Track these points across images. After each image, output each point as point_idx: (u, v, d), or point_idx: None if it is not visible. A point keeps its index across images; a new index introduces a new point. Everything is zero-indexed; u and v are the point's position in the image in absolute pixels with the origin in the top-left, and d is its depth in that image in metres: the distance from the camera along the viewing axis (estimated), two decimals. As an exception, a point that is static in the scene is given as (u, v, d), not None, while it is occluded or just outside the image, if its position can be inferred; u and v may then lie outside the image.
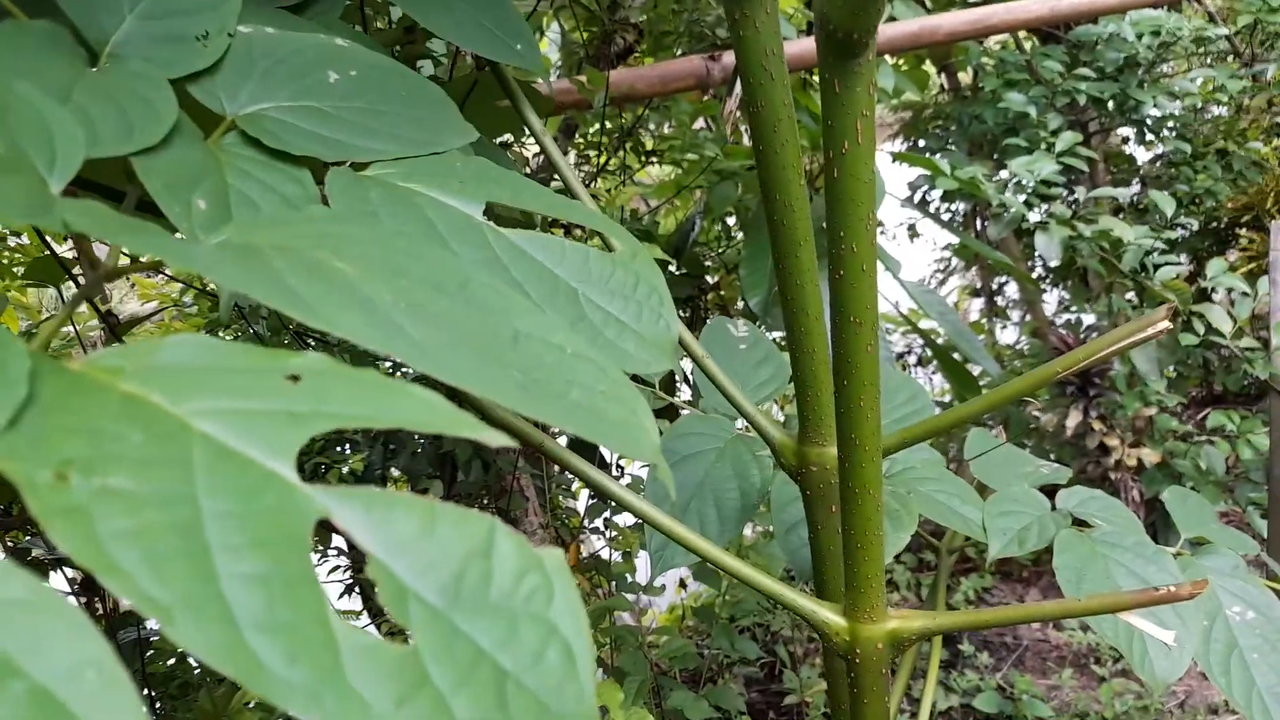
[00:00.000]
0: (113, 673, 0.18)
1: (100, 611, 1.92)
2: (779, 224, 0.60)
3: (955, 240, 4.15)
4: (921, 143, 3.46)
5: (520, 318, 0.37)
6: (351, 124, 0.46)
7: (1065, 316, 3.80)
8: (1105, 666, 3.08)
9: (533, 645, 0.23)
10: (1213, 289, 1.91)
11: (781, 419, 1.06)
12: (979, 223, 3.88)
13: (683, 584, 3.23)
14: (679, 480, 0.84)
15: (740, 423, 0.90)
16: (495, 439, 0.25)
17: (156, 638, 2.02)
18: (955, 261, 4.87)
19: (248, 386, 0.24)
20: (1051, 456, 2.76)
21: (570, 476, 2.39)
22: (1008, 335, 4.25)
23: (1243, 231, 3.12)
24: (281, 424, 0.23)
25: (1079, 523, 0.84)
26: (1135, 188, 3.23)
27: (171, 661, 2.10)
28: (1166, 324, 0.57)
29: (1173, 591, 0.51)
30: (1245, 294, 1.54)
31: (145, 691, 1.89)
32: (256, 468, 0.22)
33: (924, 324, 3.45)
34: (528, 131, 0.75)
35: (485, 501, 1.99)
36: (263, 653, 0.19)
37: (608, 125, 1.88)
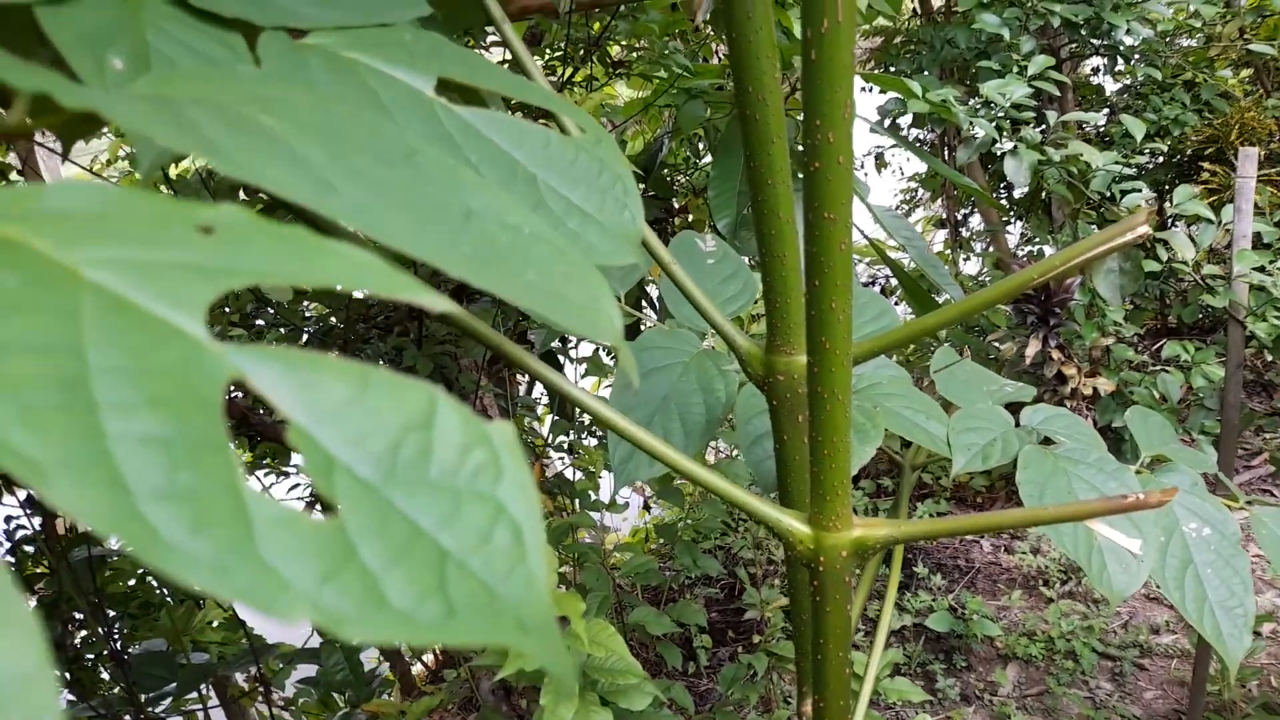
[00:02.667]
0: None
1: (54, 532, 1.89)
2: (751, 118, 0.57)
3: (922, 170, 4.13)
4: (894, 69, 3.41)
5: (473, 195, 0.34)
6: (289, -14, 0.42)
7: (1028, 249, 3.81)
8: (1053, 588, 3.16)
9: (478, 525, 0.21)
10: (1174, 221, 1.91)
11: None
12: (946, 153, 3.85)
13: (647, 506, 3.25)
14: (643, 394, 0.82)
15: (707, 339, 0.88)
16: (436, 302, 0.22)
17: (116, 557, 2.00)
18: (921, 193, 4.86)
19: (151, 237, 0.21)
20: (1010, 385, 2.78)
21: (535, 397, 2.37)
22: (971, 267, 4.26)
23: (1205, 164, 3.12)
24: (188, 277, 0.20)
25: (1043, 440, 0.83)
26: (1103, 117, 3.21)
27: (131, 582, 2.08)
28: (1146, 228, 0.55)
29: (1141, 499, 0.50)
30: (1210, 221, 1.54)
31: (105, 611, 1.87)
32: (157, 321, 0.19)
33: (890, 254, 3.44)
34: (491, 33, 0.70)
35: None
36: (160, 521, 0.17)
37: (575, 35, 1.82)
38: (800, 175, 0.48)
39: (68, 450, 0.16)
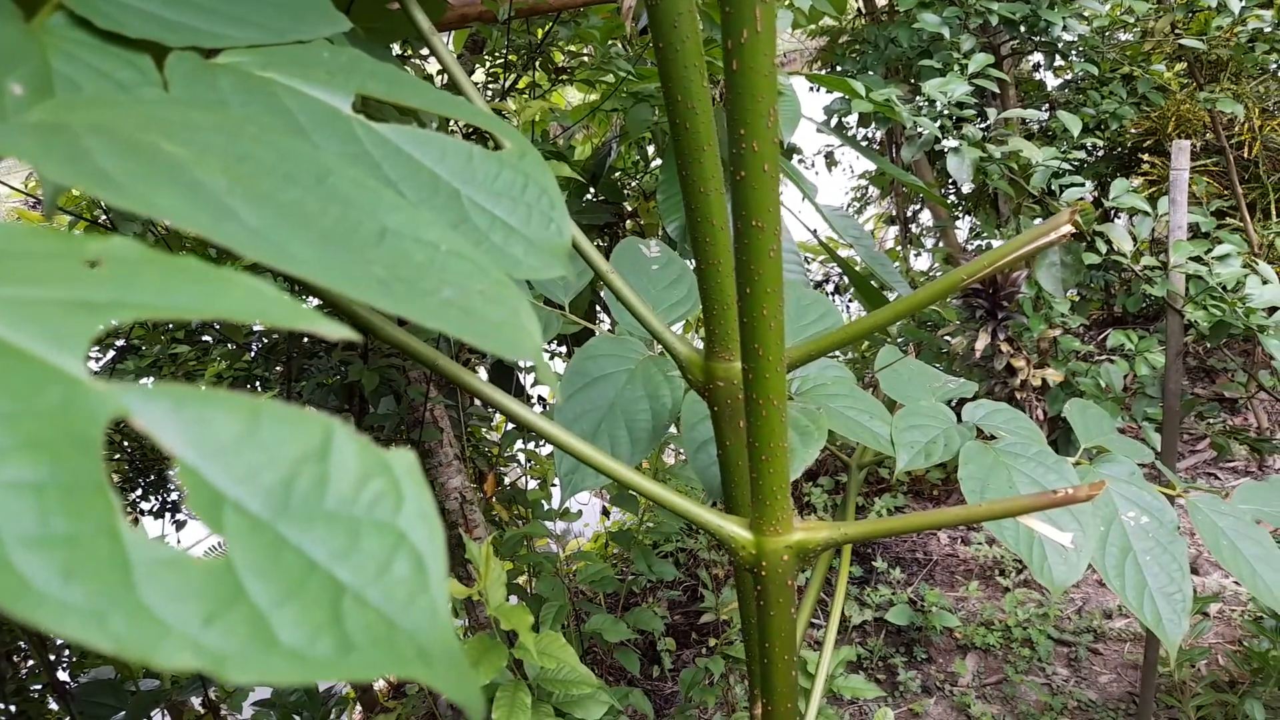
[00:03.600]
0: None
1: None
2: (681, 127, 0.57)
3: (872, 168, 4.17)
4: (839, 69, 3.45)
5: (389, 214, 0.33)
6: (199, 6, 0.41)
7: (976, 243, 3.86)
8: (1009, 578, 3.21)
9: (377, 555, 0.21)
10: (1115, 212, 1.95)
11: (699, 344, 1.05)
12: (893, 150, 3.89)
13: (605, 512, 3.25)
14: (589, 403, 0.82)
15: (655, 345, 0.88)
16: (333, 330, 0.22)
17: None
18: (871, 190, 4.91)
19: (34, 272, 0.21)
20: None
21: (488, 408, 2.35)
22: (922, 263, 4.32)
23: (1145, 156, 3.19)
24: (71, 313, 0.20)
25: (984, 435, 0.84)
26: (1045, 113, 3.27)
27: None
28: (1069, 227, 0.56)
29: (1070, 493, 0.51)
30: (1146, 214, 1.57)
31: (48, 642, 1.83)
32: (35, 362, 0.19)
33: (842, 252, 3.47)
34: (427, 48, 0.70)
35: (401, 433, 1.95)
36: (31, 571, 0.16)
37: (517, 42, 1.81)
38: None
39: (-71, 499, 0.16)
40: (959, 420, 0.87)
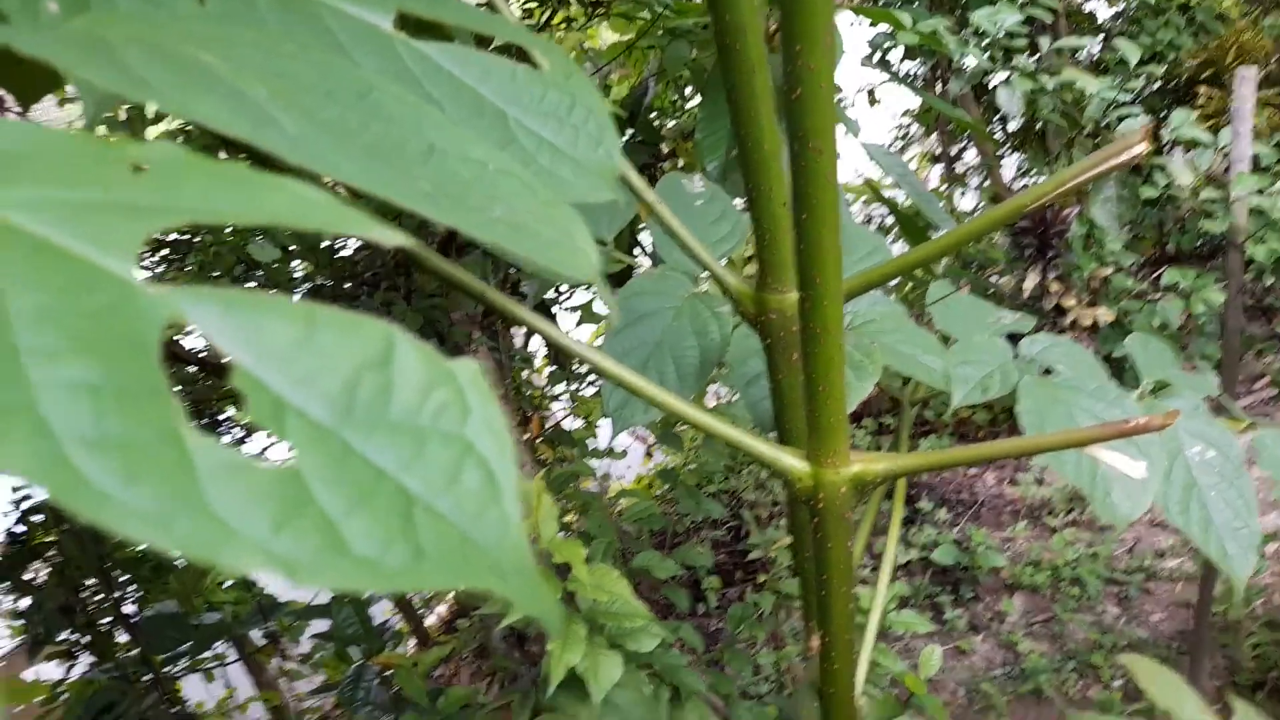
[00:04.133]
0: None
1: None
2: (730, 48, 0.55)
3: (915, 106, 4.07)
4: (882, 1, 3.34)
5: (434, 131, 0.32)
6: (236, -80, 0.39)
7: (1024, 181, 3.77)
8: (1057, 518, 3.18)
9: (445, 466, 0.20)
10: (1170, 146, 1.88)
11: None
12: (939, 86, 3.79)
13: (649, 453, 3.26)
14: (635, 339, 0.81)
15: (700, 282, 0.86)
16: (389, 237, 0.21)
17: None
18: (915, 129, 4.79)
19: (75, 177, 0.20)
20: (1009, 319, 2.76)
21: (532, 350, 2.35)
22: (967, 202, 4.22)
23: (1201, 89, 3.07)
24: (116, 217, 0.19)
25: (1042, 370, 0.82)
26: (1099, 43, 3.15)
27: (143, 546, 2.09)
28: (1143, 147, 0.53)
29: (1143, 423, 0.49)
30: (1206, 146, 1.51)
31: (114, 577, 1.88)
32: (83, 264, 0.18)
33: (886, 193, 3.40)
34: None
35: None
36: (90, 471, 0.15)
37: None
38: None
39: (-14, 398, 0.15)
40: (1015, 355, 0.85)
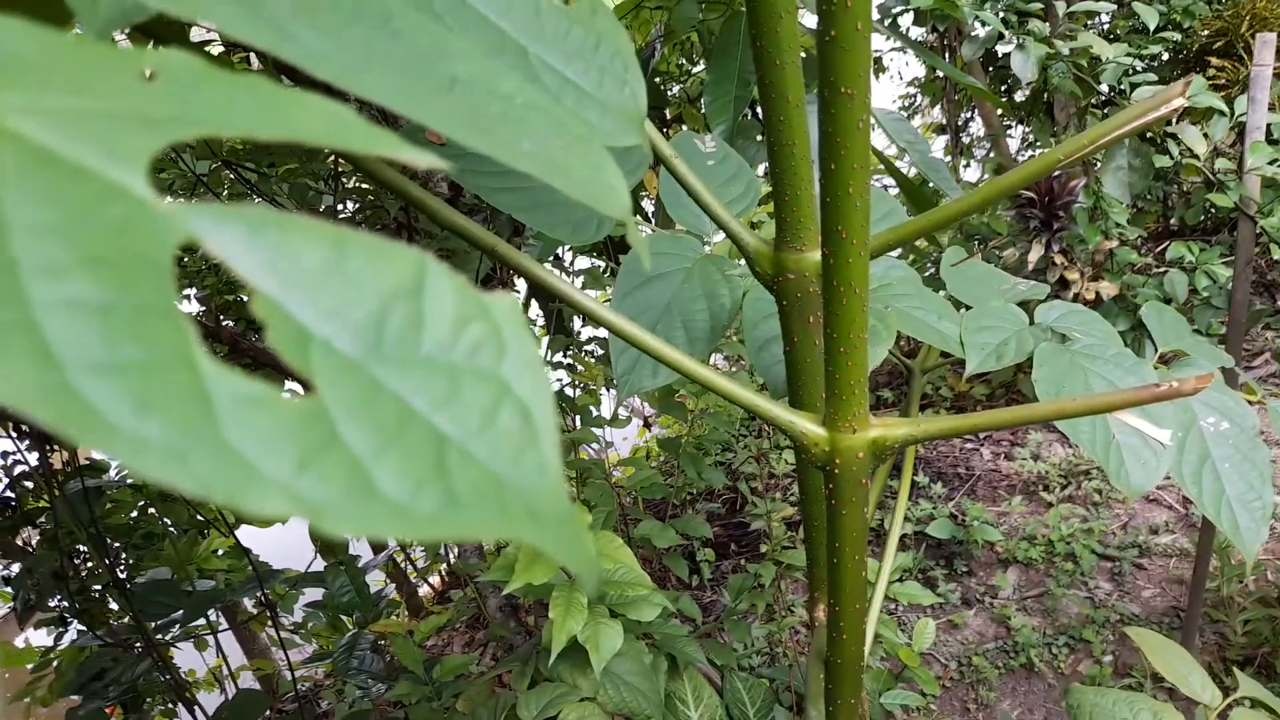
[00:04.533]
0: None
1: (50, 467, 1.88)
2: (755, -6, 0.53)
3: (922, 76, 4.02)
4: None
5: (458, 63, 0.30)
6: None
7: (1029, 153, 3.74)
8: (1053, 493, 3.19)
9: (480, 406, 0.18)
10: (1179, 117, 1.85)
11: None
12: (947, 55, 3.75)
13: (647, 424, 3.25)
14: (644, 302, 0.79)
15: (707, 244, 0.84)
16: (419, 157, 0.19)
17: (115, 489, 1.99)
18: (920, 99, 4.75)
19: (82, 84, 0.18)
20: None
21: (533, 316, 2.33)
22: (971, 174, 4.19)
23: (1214, 60, 3.04)
24: (127, 127, 0.17)
25: (1058, 337, 0.81)
26: (1113, 6, 3.11)
27: (134, 514, 2.08)
28: (1180, 100, 0.51)
29: (1175, 387, 0.48)
30: (1222, 113, 1.49)
31: (107, 543, 1.87)
32: (90, 175, 0.16)
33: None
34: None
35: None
36: (100, 401, 0.14)
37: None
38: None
39: (-16, 318, 0.14)
40: (1030, 322, 0.83)
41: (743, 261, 0.89)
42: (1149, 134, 1.67)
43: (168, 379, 0.15)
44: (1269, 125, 1.65)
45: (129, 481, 1.99)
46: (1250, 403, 0.86)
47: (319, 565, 2.17)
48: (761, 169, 1.74)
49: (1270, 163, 1.43)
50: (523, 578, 0.99)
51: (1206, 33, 2.89)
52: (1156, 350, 0.88)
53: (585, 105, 0.38)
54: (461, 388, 0.18)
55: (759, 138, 1.70)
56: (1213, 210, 2.45)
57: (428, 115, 0.22)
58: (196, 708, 1.93)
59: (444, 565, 3.06)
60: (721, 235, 0.88)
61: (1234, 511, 0.80)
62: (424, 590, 3.24)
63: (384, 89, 0.22)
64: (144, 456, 0.14)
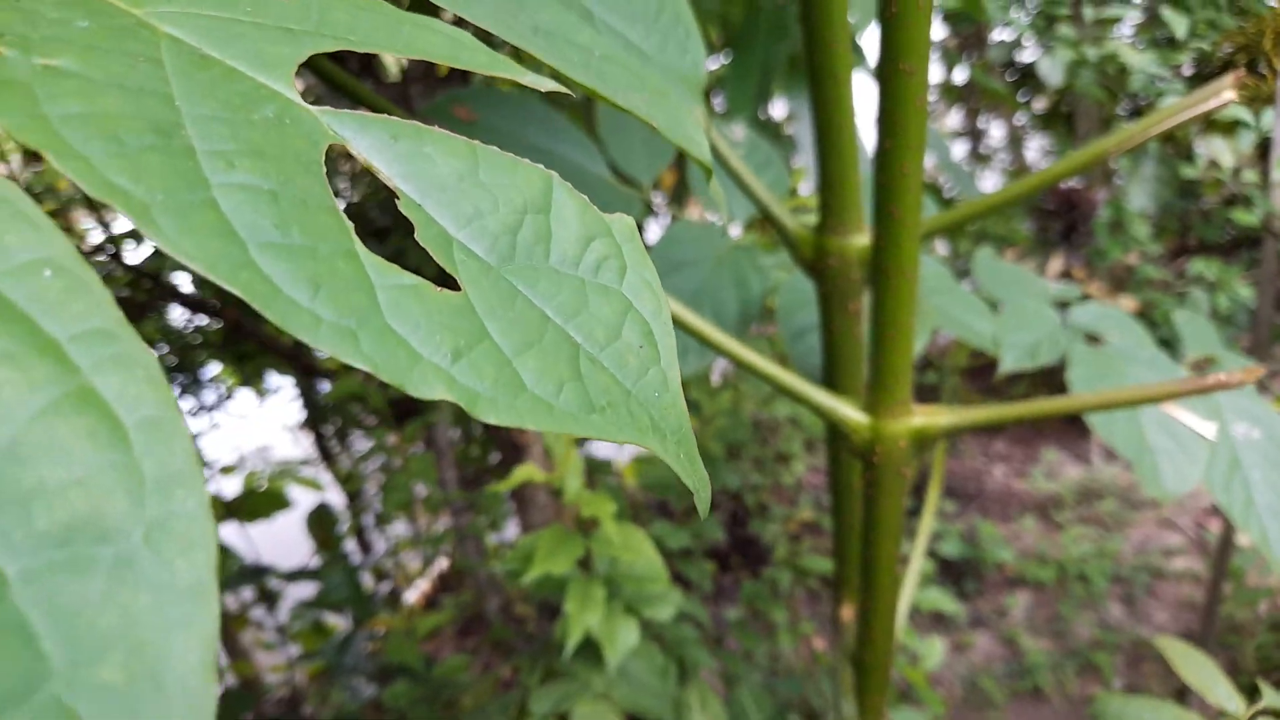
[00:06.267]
0: (76, 273, 0.13)
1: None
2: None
3: (940, 80, 4.02)
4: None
5: (538, 12, 0.31)
6: None
7: (1049, 162, 3.74)
8: (1065, 513, 3.17)
9: (607, 321, 0.19)
10: (1201, 130, 1.84)
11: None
12: (968, 59, 3.75)
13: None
14: (672, 289, 0.79)
15: (736, 231, 0.85)
16: (541, 81, 0.20)
17: None
18: (935, 105, 4.73)
19: (229, -3, 0.19)
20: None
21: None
22: (988, 182, 4.19)
23: (1234, 75, 3.02)
24: (273, 36, 0.18)
25: (1090, 338, 0.81)
26: (1140, 11, 3.10)
27: None
28: (1231, 93, 0.52)
29: (1223, 379, 0.48)
30: (1248, 125, 1.49)
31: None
32: (246, 78, 0.17)
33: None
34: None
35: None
36: (276, 274, 0.14)
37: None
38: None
39: (170, 193, 0.14)
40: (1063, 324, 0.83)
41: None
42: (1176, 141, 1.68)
43: (335, 265, 0.15)
44: None
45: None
46: (1280, 411, 0.85)
47: (315, 562, 2.15)
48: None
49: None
50: (543, 566, 0.99)
51: (1229, 47, 2.88)
52: (1187, 356, 0.88)
53: (647, 70, 0.39)
54: (588, 301, 0.19)
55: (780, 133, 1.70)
56: (1232, 227, 2.45)
57: (531, 46, 0.23)
58: None
59: (436, 570, 3.04)
60: (739, 229, 0.88)
61: (1263, 521, 0.80)
62: (414, 595, 3.21)
63: (493, 20, 0.23)
64: (319, 333, 0.14)
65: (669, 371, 0.19)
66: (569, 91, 0.20)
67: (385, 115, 0.18)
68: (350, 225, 0.16)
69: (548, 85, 0.20)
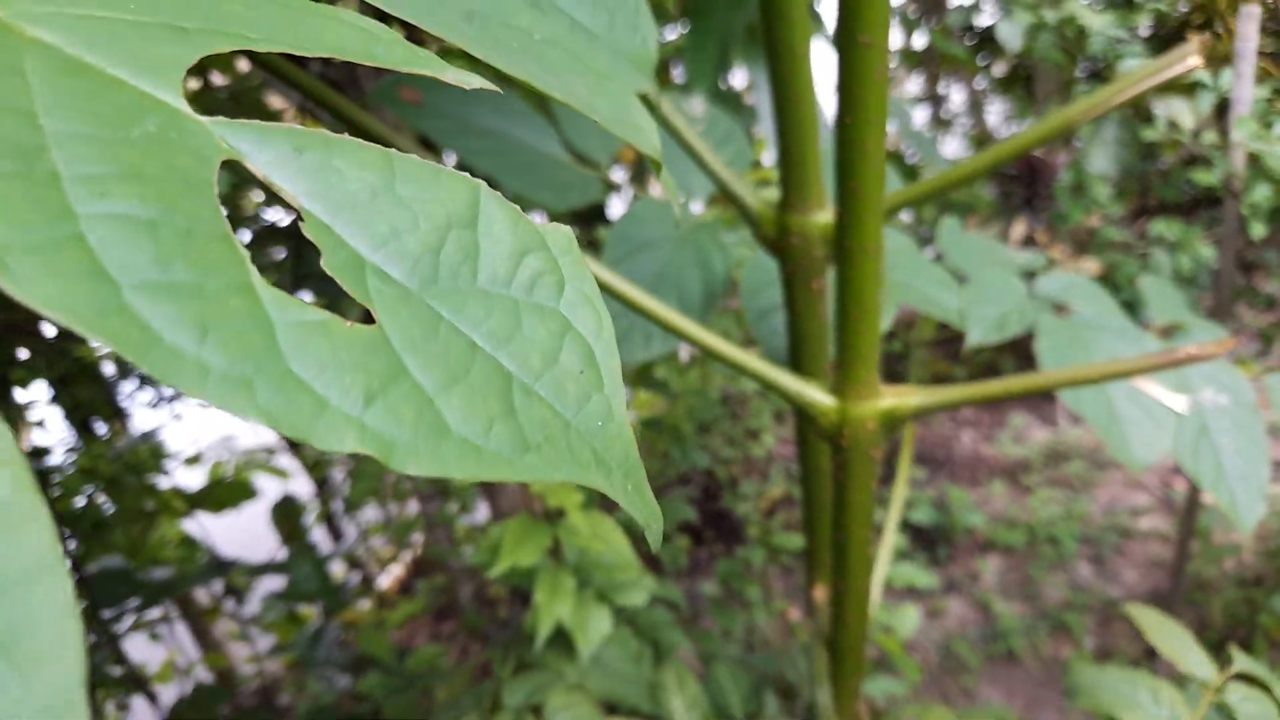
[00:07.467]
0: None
1: None
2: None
3: (901, 44, 4.00)
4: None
5: None
6: None
7: (1011, 127, 3.74)
8: (1033, 476, 3.21)
9: (543, 345, 0.17)
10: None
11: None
12: (929, 21, 3.73)
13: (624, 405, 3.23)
14: (636, 269, 0.78)
15: (698, 208, 0.83)
16: (464, 78, 0.18)
17: (60, 476, 1.93)
18: (897, 71, 4.72)
19: (109, -8, 0.17)
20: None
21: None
22: (950, 147, 4.18)
23: (1192, 35, 3.03)
24: (160, 37, 0.16)
25: (1058, 308, 0.80)
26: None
27: (81, 501, 2.01)
28: (1196, 59, 0.51)
29: (1195, 351, 0.47)
30: (1206, 87, 1.50)
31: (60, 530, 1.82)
32: (125, 87, 0.15)
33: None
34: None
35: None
36: (155, 319, 0.13)
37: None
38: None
39: (30, 230, 0.12)
40: (1029, 294, 0.83)
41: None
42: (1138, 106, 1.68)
43: (227, 303, 0.13)
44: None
45: (76, 466, 1.93)
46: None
47: (282, 554, 2.12)
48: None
49: (1257, 135, 1.44)
50: (510, 558, 0.97)
51: (1185, 7, 2.90)
52: (1153, 322, 0.88)
53: (595, 50, 0.37)
54: (522, 324, 0.17)
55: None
56: (1192, 188, 2.46)
57: (458, 38, 0.21)
58: (152, 700, 1.88)
59: (409, 555, 3.02)
60: (700, 206, 0.86)
61: (1231, 486, 0.80)
62: (387, 581, 3.19)
63: (414, 9, 0.21)
64: (206, 384, 0.12)
65: (613, 399, 0.17)
66: (496, 89, 0.19)
67: (289, 125, 0.16)
68: (246, 254, 0.14)
69: (474, 82, 0.18)
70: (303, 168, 0.16)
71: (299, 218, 0.15)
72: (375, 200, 0.16)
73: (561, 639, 1.15)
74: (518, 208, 0.18)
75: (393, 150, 0.17)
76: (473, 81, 0.18)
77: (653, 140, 0.26)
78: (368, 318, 0.15)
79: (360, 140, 0.17)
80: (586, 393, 0.17)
